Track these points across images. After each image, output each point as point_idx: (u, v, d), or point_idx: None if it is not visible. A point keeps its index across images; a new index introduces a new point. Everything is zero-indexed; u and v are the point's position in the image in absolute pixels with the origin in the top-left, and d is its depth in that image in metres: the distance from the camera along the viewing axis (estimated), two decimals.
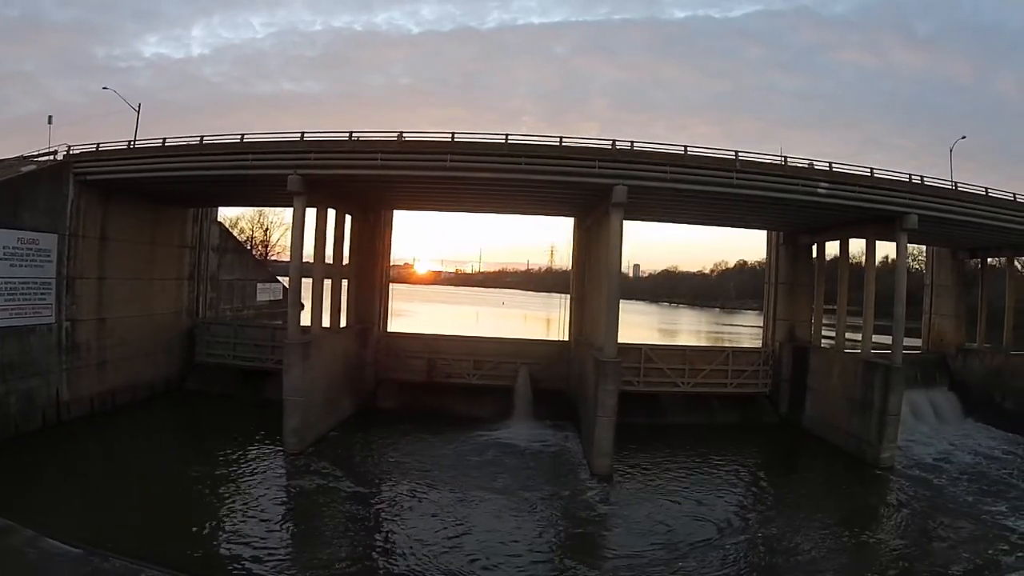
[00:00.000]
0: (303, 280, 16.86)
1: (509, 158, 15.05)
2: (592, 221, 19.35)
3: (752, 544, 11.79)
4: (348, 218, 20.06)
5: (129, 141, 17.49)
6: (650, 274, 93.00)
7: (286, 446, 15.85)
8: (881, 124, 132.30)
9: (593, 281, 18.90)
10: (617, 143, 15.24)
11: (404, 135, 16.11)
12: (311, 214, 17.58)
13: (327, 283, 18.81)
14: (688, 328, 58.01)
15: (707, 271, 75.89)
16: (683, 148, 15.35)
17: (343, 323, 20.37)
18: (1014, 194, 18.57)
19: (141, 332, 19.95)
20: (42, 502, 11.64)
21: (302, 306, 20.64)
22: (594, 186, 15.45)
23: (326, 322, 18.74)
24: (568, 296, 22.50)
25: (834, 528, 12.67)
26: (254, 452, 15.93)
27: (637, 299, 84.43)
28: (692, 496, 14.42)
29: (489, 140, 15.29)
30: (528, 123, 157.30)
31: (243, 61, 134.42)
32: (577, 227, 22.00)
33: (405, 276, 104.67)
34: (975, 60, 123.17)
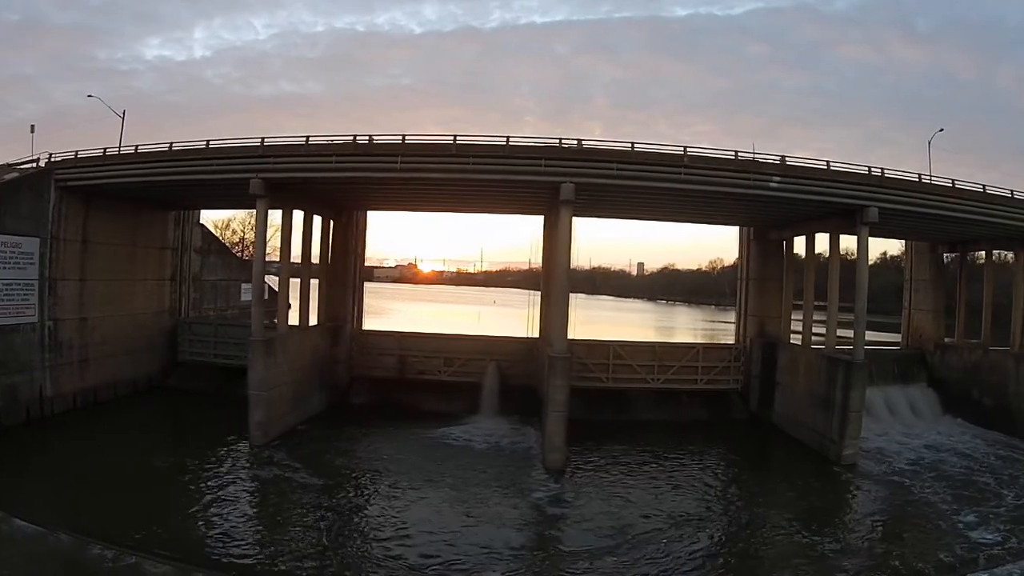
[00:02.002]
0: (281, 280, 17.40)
1: (457, 158, 15.38)
2: (552, 219, 19.57)
3: (683, 541, 11.74)
4: (318, 219, 20.62)
5: (105, 148, 18.31)
6: (650, 272, 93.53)
7: (251, 439, 16.47)
8: (883, 120, 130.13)
9: (551, 277, 19.10)
10: (564, 141, 15.47)
11: (374, 138, 16.52)
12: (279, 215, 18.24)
13: (294, 283, 19.39)
14: (675, 325, 57.29)
15: (704, 268, 75.59)
16: (630, 144, 15.49)
17: (313, 321, 20.92)
18: (984, 185, 18.21)
19: (123, 331, 20.80)
20: (20, 489, 12.55)
21: (289, 305, 21.31)
22: (543, 184, 15.69)
23: (295, 320, 19.32)
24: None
25: (773, 527, 12.60)
26: (223, 445, 16.49)
27: (636, 297, 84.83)
28: (642, 491, 14.48)
29: (438, 142, 15.65)
30: (530, 123, 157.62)
31: (245, 63, 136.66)
32: (545, 225, 22.21)
33: (409, 276, 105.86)
34: (975, 55, 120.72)
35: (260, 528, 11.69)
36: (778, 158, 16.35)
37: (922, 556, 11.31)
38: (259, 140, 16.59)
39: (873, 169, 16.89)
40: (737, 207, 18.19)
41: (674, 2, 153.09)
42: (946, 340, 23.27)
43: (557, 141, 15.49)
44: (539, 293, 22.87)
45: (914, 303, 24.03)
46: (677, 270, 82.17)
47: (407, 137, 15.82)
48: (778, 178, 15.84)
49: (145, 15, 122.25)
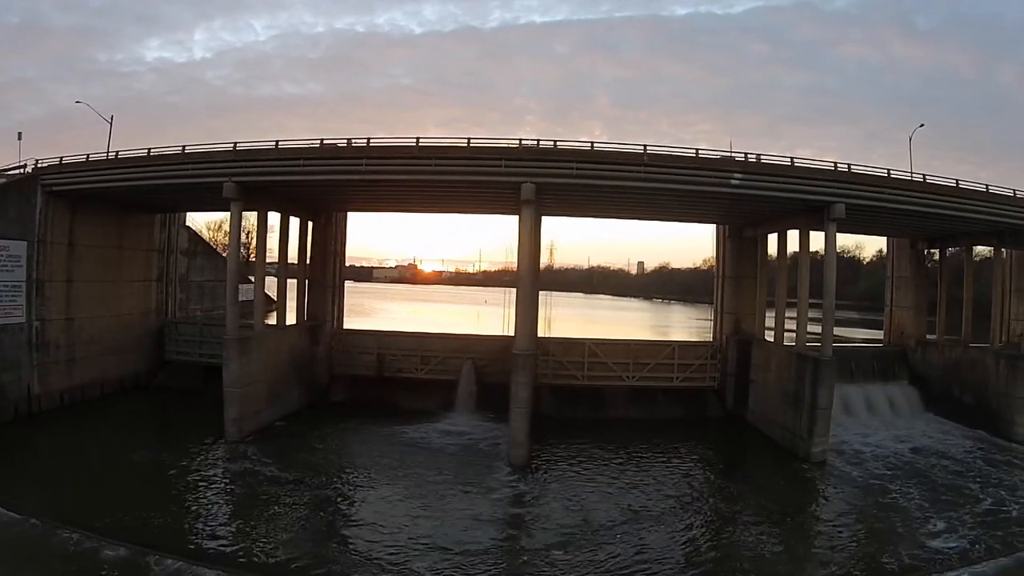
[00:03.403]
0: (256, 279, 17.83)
1: (419, 160, 15.69)
2: None
3: (634, 539, 11.73)
4: (295, 221, 21.07)
5: (88, 154, 18.94)
6: (646, 271, 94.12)
7: (226, 435, 16.97)
8: (885, 118, 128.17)
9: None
10: (524, 142, 15.70)
11: (354, 141, 16.87)
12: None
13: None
14: (666, 324, 56.73)
15: (699, 267, 74.41)
16: (590, 144, 15.66)
17: (291, 320, 21.36)
18: (957, 180, 18.03)
19: (109, 331, 21.44)
20: (5, 481, 13.20)
21: (274, 305, 21.73)
22: (504, 184, 15.91)
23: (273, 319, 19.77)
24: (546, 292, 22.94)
25: (724, 527, 12.60)
26: (201, 441, 16.92)
27: (633, 296, 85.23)
28: (605, 488, 14.55)
29: (402, 144, 15.97)
30: (531, 122, 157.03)
31: (245, 64, 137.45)
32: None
33: (409, 276, 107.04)
34: (976, 53, 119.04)
35: (219, 517, 12.19)
36: (742, 155, 16.39)
37: (863, 563, 10.89)
38: (232, 144, 17.06)
39: (840, 165, 16.87)
40: (703, 204, 18.25)
41: (674, 1, 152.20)
42: (928, 337, 23.01)
43: (517, 141, 15.72)
44: (543, 292, 23.11)
45: (896, 300, 23.79)
46: (673, 269, 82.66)
47: (372, 140, 16.18)
48: (739, 175, 15.87)
49: (146, 17, 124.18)
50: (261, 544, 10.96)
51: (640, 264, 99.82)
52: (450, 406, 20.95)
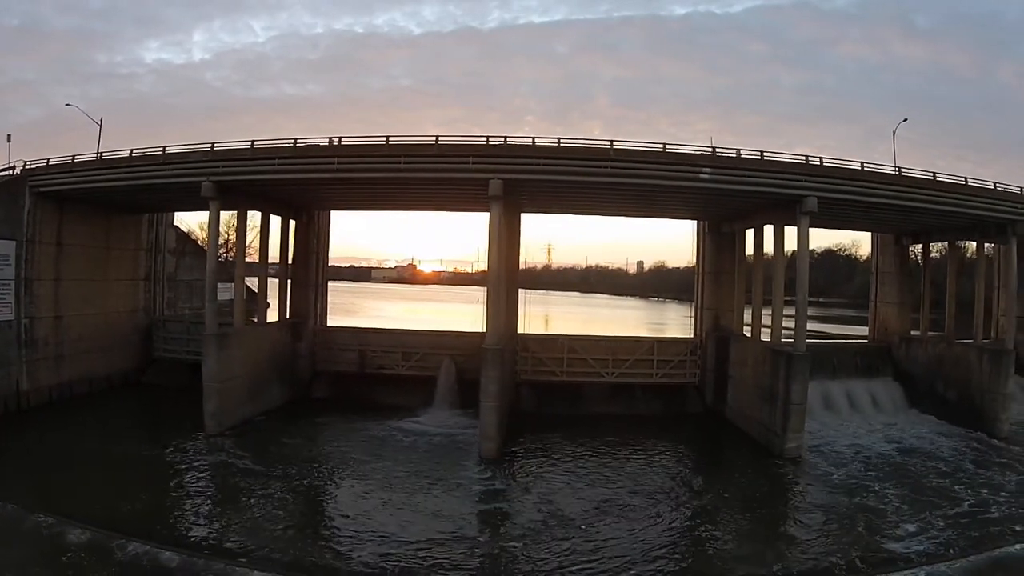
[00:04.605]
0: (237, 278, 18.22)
1: (389, 158, 15.90)
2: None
3: (588, 534, 11.70)
4: (276, 219, 21.39)
5: (73, 156, 19.40)
6: (645, 270, 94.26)
7: (205, 428, 17.31)
8: (884, 117, 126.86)
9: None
10: (491, 139, 15.83)
11: (336, 141, 17.15)
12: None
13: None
14: (658, 321, 56.51)
15: (692, 264, 72.58)
16: (556, 140, 15.76)
17: (273, 317, 21.68)
18: (934, 173, 17.87)
19: (98, 329, 21.89)
20: None
21: (267, 303, 22.07)
22: (473, 181, 16.07)
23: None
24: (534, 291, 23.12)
25: (680, 526, 12.47)
26: (182, 435, 17.18)
27: (629, 295, 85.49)
28: (574, 483, 14.57)
29: (372, 143, 16.19)
30: (531, 123, 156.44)
31: (244, 65, 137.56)
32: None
33: (408, 277, 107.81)
34: (975, 52, 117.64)
35: (187, 505, 12.57)
36: (710, 149, 16.40)
37: (816, 561, 10.63)
38: (209, 145, 17.40)
39: (812, 159, 16.79)
40: (677, 199, 18.26)
41: (673, 1, 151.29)
42: (912, 333, 22.75)
43: (485, 139, 15.88)
44: (523, 290, 23.29)
45: (880, 296, 23.55)
46: (671, 268, 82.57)
47: (344, 139, 16.42)
48: (708, 170, 15.86)
49: (145, 18, 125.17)
50: (223, 530, 11.24)
51: (639, 263, 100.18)
52: (429, 402, 21.11)
